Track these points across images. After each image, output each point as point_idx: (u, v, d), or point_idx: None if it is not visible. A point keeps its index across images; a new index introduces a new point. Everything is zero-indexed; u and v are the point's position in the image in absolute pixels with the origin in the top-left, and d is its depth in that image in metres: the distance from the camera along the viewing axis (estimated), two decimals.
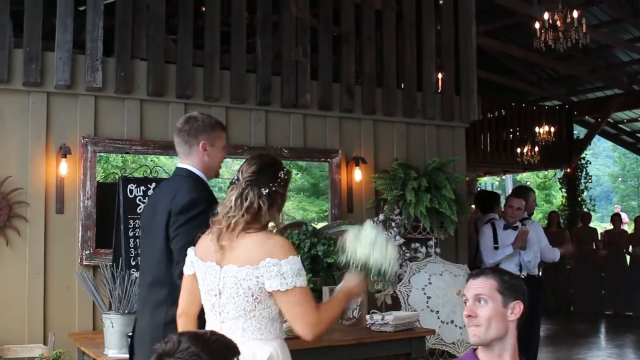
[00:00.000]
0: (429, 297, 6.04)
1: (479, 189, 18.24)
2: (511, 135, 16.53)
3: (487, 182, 28.15)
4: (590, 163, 18.47)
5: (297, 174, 25.30)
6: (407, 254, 6.43)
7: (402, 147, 6.89)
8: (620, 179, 36.31)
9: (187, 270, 3.01)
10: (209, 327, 2.90)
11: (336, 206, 6.47)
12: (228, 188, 2.94)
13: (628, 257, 13.51)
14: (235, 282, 2.79)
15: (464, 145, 7.29)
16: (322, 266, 5.75)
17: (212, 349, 2.00)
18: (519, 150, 15.68)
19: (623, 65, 15.56)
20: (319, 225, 6.82)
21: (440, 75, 7.30)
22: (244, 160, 3.04)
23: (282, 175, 2.96)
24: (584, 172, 17.55)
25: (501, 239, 6.75)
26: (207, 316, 2.95)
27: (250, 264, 2.78)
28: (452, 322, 5.93)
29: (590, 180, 17.94)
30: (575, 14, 8.18)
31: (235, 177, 2.92)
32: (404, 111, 6.87)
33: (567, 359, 8.85)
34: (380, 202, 6.61)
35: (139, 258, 4.84)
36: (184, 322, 3.05)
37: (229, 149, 6.04)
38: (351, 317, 3.27)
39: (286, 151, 6.28)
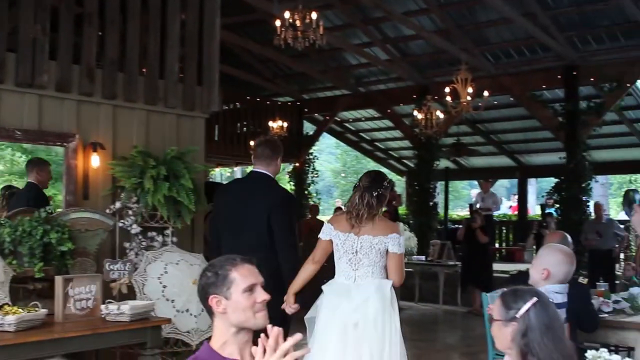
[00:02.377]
0: (164, 286, 6.01)
1: (210, 179, 18.48)
2: (245, 128, 16.92)
3: (219, 173, 28.55)
4: (317, 158, 19.41)
5: (21, 156, 23.86)
6: (144, 243, 6.36)
7: (142, 135, 6.78)
8: (342, 174, 38.49)
9: (325, 237, 4.86)
10: (343, 273, 4.80)
11: (71, 193, 6.22)
12: (353, 190, 4.89)
13: None
14: (370, 245, 4.71)
15: (203, 136, 7.33)
16: (54, 255, 5.51)
17: None
18: (252, 143, 16.03)
19: (351, 68, 16.53)
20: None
21: (182, 65, 7.27)
22: None
23: (385, 184, 4.86)
24: (312, 167, 18.42)
25: None
26: (342, 266, 4.81)
27: (382, 234, 4.72)
28: (187, 310, 5.93)
29: (316, 175, 18.86)
30: (314, 15, 8.56)
31: (357, 184, 4.87)
32: (145, 98, 6.76)
33: None
34: (117, 190, 6.46)
35: None
36: (315, 268, 4.93)
37: None
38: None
39: (19, 133, 5.92)
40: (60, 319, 5.08)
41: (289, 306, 4.96)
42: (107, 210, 6.22)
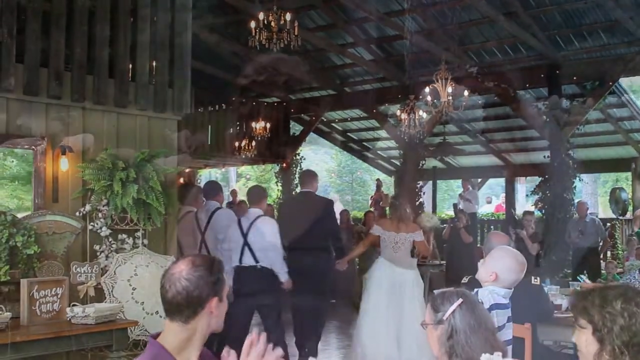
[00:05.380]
0: (134, 289, 6.02)
1: (199, 181, 18.46)
2: (231, 129, 16.89)
3: (211, 174, 28.49)
4: (304, 159, 19.34)
5: (13, 161, 23.76)
6: (114, 245, 6.35)
7: (112, 137, 6.75)
8: (333, 174, 38.40)
9: (375, 232, 8.05)
10: (388, 255, 7.88)
11: (40, 196, 6.20)
12: (390, 209, 8.98)
13: None
14: (405, 238, 7.91)
15: (175, 138, 7.31)
16: (21, 258, 5.53)
17: None
18: (237, 144, 16.05)
19: (336, 68, 16.50)
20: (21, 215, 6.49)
21: (154, 66, 7.24)
22: None
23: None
24: (299, 167, 18.38)
25: None
26: (387, 251, 7.90)
27: (412, 232, 7.96)
28: (157, 313, 5.94)
29: None
30: (288, 16, 8.54)
31: (396, 202, 8.49)
32: (115, 101, 6.73)
33: None
34: (87, 193, 6.44)
35: None
36: (363, 250, 8.90)
37: None
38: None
39: None
40: (26, 322, 5.09)
41: (344, 266, 8.31)
42: (77, 213, 6.21)
